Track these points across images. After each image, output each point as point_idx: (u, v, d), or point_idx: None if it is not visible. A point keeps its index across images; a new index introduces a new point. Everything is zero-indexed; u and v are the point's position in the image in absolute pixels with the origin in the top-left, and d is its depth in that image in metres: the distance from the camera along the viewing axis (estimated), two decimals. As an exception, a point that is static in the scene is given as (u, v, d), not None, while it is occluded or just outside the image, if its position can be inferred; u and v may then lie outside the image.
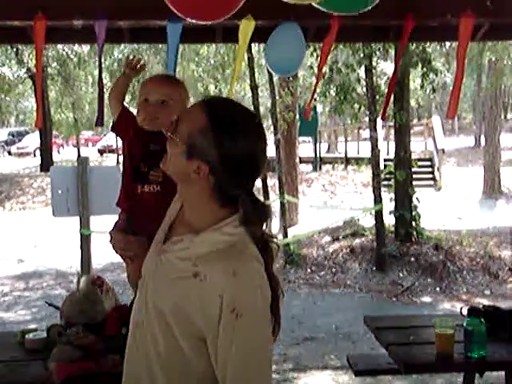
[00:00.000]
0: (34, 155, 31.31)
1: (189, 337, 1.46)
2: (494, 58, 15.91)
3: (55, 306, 2.99)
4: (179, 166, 1.50)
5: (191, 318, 1.44)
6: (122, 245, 1.85)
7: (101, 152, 32.86)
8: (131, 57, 2.32)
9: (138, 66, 2.30)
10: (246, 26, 3.22)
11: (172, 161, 1.52)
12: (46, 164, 21.58)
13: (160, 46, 13.61)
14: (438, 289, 7.80)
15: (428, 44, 8.70)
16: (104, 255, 8.58)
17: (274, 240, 1.56)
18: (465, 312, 2.95)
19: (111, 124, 2.25)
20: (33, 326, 5.22)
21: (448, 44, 12.20)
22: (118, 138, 2.25)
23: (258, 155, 1.51)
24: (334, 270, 8.60)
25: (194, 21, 2.55)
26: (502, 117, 25.80)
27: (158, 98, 2.04)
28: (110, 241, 1.87)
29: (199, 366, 1.48)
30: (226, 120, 1.47)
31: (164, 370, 1.50)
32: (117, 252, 1.88)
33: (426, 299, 7.49)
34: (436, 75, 9.09)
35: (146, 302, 1.54)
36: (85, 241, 5.84)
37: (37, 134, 25.61)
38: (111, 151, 30.77)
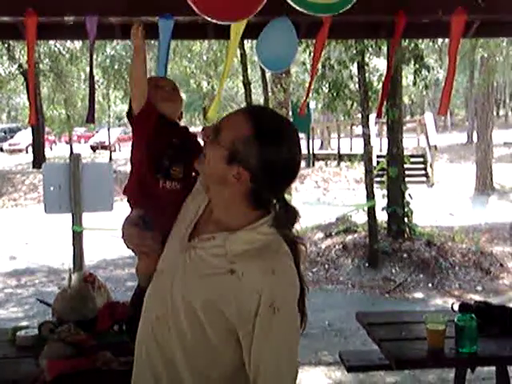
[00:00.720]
0: (27, 152, 31.20)
1: (219, 328, 1.54)
2: (486, 55, 15.97)
3: (47, 302, 2.99)
4: (218, 169, 1.56)
5: (225, 313, 1.51)
6: (137, 240, 1.82)
7: (93, 148, 32.81)
8: (136, 25, 2.19)
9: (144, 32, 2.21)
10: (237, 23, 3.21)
11: (211, 163, 1.58)
12: (39, 161, 21.51)
13: (152, 42, 13.57)
14: (430, 285, 7.84)
15: (420, 41, 8.71)
16: (96, 252, 8.59)
17: (303, 242, 1.67)
18: (456, 308, 2.97)
19: (127, 112, 2.13)
20: (24, 323, 5.21)
21: (440, 40, 12.21)
22: (134, 127, 2.07)
23: (296, 163, 1.61)
24: (326, 266, 8.62)
25: (216, 21, 2.53)
26: (495, 113, 25.89)
27: (169, 83, 2.10)
28: (123, 236, 1.83)
29: (225, 355, 1.56)
30: (270, 131, 1.55)
31: (189, 363, 1.56)
32: (129, 247, 1.85)
33: (419, 295, 7.52)
34: (428, 72, 9.10)
35: (172, 296, 1.58)
36: (77, 238, 5.82)
37: (29, 130, 25.55)
38: (104, 148, 30.74)
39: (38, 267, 9.23)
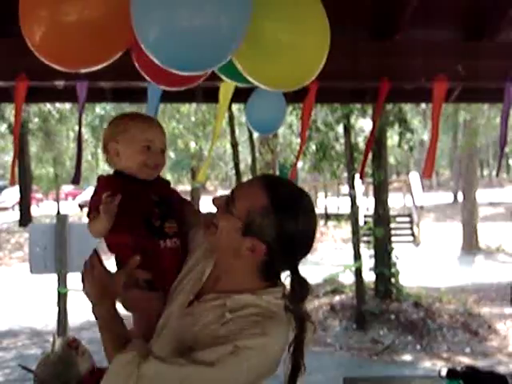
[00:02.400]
0: (13, 209, 31.02)
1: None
2: (468, 118, 16.32)
3: (29, 369, 2.92)
4: (232, 240, 1.49)
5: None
6: (144, 303, 1.71)
7: (81, 207, 32.69)
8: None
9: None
10: (226, 87, 3.29)
11: (224, 234, 1.51)
12: (25, 219, 21.37)
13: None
14: (418, 347, 7.76)
15: (404, 104, 8.91)
16: (81, 312, 8.46)
17: (311, 319, 1.55)
18: (443, 373, 2.93)
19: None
20: (5, 389, 5.07)
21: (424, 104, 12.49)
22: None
23: (312, 235, 1.53)
24: (314, 327, 8.52)
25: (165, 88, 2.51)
26: (479, 173, 26.25)
27: (160, 146, 1.83)
28: (124, 303, 1.72)
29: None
30: (286, 201, 1.48)
31: None
32: (130, 310, 1.75)
33: (407, 357, 7.43)
34: (412, 134, 9.29)
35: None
36: (62, 299, 5.75)
37: (16, 188, 25.53)
38: (91, 206, 30.63)
39: (20, 329, 9.05)
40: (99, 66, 1.80)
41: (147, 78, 2.19)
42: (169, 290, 1.69)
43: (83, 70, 1.90)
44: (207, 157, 3.64)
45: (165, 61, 1.56)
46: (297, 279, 1.50)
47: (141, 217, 1.74)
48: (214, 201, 1.57)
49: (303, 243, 1.53)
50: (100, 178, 1.83)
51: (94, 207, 1.75)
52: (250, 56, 1.81)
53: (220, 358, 1.40)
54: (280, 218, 1.46)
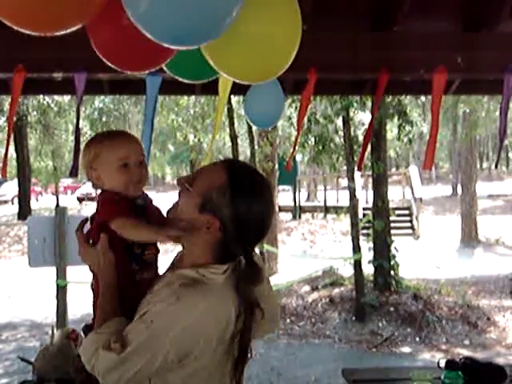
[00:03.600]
0: (12, 203, 31.04)
1: None
2: (468, 110, 16.30)
3: (28, 360, 2.92)
4: (190, 216, 1.56)
5: None
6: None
7: (80, 200, 32.71)
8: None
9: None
10: (225, 80, 3.28)
11: (183, 210, 1.59)
12: (24, 212, 21.38)
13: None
14: (417, 339, 7.77)
15: (403, 96, 8.89)
16: (80, 305, 8.46)
17: (261, 306, 1.59)
18: (442, 364, 2.94)
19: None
20: (4, 381, 5.08)
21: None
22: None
23: (268, 219, 1.59)
24: (313, 320, 8.53)
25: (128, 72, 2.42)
26: (478, 166, 26.26)
27: (137, 159, 1.76)
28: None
29: None
30: (244, 183, 1.56)
31: None
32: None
33: (406, 349, 7.44)
34: (412, 127, 9.28)
35: None
36: (61, 292, 5.75)
37: (15, 181, 25.50)
38: (90, 199, 30.65)
39: (20, 321, 9.06)
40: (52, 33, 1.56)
41: (106, 61, 2.06)
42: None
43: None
44: (208, 151, 3.64)
45: (157, 35, 1.49)
46: (249, 262, 1.55)
47: (123, 243, 1.69)
48: (178, 180, 1.62)
49: (257, 227, 1.58)
50: (101, 193, 1.79)
51: (119, 213, 1.69)
52: (220, 46, 1.73)
53: (131, 327, 1.49)
54: (236, 198, 1.53)
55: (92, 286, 1.82)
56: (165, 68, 2.20)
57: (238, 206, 1.53)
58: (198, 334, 1.48)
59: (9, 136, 3.08)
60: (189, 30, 1.47)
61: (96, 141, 1.81)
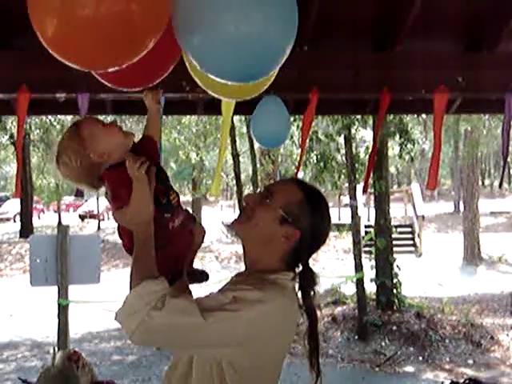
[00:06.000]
0: (14, 221, 31.01)
1: None
2: (469, 128, 16.33)
3: (29, 382, 2.91)
4: (270, 229, 1.66)
5: None
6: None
7: (82, 217, 32.69)
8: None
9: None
10: (229, 102, 3.29)
11: (261, 224, 1.67)
12: (26, 230, 21.37)
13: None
14: (420, 358, 7.72)
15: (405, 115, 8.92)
16: (82, 324, 8.44)
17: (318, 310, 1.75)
18: (446, 385, 2.92)
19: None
20: (5, 402, 5.04)
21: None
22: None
23: (329, 231, 1.77)
24: (316, 338, 8.49)
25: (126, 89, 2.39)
26: (480, 183, 26.25)
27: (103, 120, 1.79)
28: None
29: None
30: (317, 197, 1.74)
31: None
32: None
33: (409, 369, 7.39)
34: (413, 145, 9.30)
35: None
36: (62, 311, 5.73)
37: (17, 199, 25.52)
38: (92, 217, 30.62)
39: (21, 340, 9.02)
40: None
41: (100, 78, 2.03)
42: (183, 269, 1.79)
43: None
44: (216, 171, 3.66)
45: (209, 69, 1.61)
46: (308, 268, 1.68)
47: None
48: (247, 197, 1.75)
49: (324, 236, 1.74)
50: (107, 173, 1.73)
51: (120, 197, 1.67)
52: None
53: (218, 305, 1.52)
54: (312, 211, 1.68)
55: (125, 247, 1.75)
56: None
57: (314, 219, 1.68)
58: (276, 326, 1.62)
59: (18, 158, 3.08)
60: (242, 68, 1.62)
61: (72, 136, 1.78)
